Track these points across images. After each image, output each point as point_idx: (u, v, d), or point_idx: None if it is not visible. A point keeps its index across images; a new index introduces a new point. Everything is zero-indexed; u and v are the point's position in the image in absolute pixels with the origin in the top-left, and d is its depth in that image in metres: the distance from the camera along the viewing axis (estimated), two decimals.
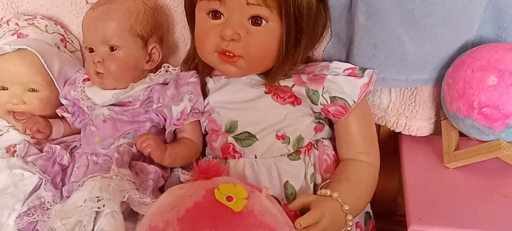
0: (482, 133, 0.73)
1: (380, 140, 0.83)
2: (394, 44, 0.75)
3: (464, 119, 0.73)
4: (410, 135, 0.83)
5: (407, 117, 0.82)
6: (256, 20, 0.72)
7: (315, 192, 0.75)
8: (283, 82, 0.78)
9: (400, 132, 0.84)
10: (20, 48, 0.82)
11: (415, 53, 0.76)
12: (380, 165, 0.80)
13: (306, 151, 0.79)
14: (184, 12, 0.81)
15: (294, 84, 0.77)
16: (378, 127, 0.86)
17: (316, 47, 0.82)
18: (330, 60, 0.81)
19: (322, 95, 0.76)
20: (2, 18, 0.91)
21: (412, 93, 0.82)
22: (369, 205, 0.81)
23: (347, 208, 0.69)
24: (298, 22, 0.72)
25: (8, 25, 0.88)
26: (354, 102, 0.76)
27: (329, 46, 0.83)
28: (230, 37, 0.72)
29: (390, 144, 0.88)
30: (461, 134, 0.79)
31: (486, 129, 0.72)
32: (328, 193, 0.70)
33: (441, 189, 0.73)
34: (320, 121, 0.81)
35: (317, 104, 0.77)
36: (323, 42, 0.83)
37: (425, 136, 0.83)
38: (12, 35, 0.86)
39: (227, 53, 0.73)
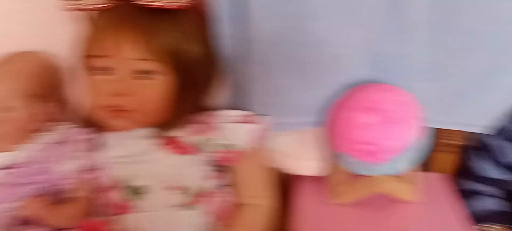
0: (364, 169, 0.78)
1: (275, 182, 0.86)
2: (285, 90, 0.79)
3: (346, 156, 0.78)
4: (301, 175, 0.86)
5: (298, 158, 0.86)
6: (144, 74, 0.72)
7: None
8: (177, 133, 0.78)
9: (292, 173, 0.88)
10: None
11: (306, 98, 0.80)
12: (276, 206, 0.82)
13: (205, 200, 0.79)
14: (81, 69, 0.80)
15: (188, 135, 0.78)
16: (273, 169, 0.89)
17: (213, 95, 0.83)
18: (227, 108, 0.83)
19: (215, 143, 0.77)
20: None
21: (302, 135, 0.87)
22: None
23: None
24: (188, 74, 0.73)
25: None
26: (247, 148, 0.78)
27: (229, 94, 0.86)
28: (118, 92, 0.71)
29: (284, 185, 0.91)
30: None
31: (367, 164, 0.77)
32: None
33: (330, 225, 0.77)
34: (217, 168, 0.82)
35: (211, 153, 0.78)
36: (220, 90, 0.85)
37: (315, 176, 0.87)
38: None
39: (117, 108, 0.73)
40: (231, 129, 0.78)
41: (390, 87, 0.79)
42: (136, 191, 0.77)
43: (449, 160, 0.92)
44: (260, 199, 0.80)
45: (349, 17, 0.72)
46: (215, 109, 0.83)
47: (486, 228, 0.82)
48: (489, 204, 0.84)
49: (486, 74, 0.81)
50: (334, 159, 0.84)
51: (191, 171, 0.79)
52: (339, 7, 0.71)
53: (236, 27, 0.74)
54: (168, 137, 0.78)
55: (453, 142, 0.90)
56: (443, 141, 0.90)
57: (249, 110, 0.81)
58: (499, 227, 0.81)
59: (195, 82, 0.74)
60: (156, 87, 0.73)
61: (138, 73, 0.72)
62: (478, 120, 0.85)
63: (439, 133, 0.89)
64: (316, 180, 0.87)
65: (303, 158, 0.86)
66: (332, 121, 0.80)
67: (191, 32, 0.72)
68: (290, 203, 0.91)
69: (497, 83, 0.82)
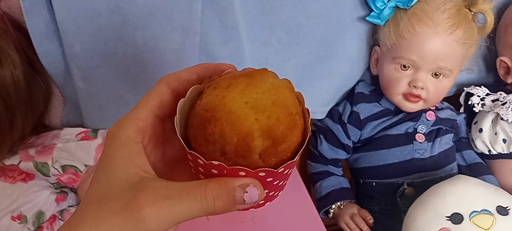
0: None
1: None
2: (119, 102, 0.79)
3: None
4: None
5: None
6: None
7: None
8: (8, 161, 0.74)
9: None
10: None
11: None
12: None
13: (49, 225, 0.77)
14: None
15: (20, 161, 0.75)
16: None
17: (44, 117, 0.81)
18: (64, 126, 0.81)
19: (52, 166, 0.75)
20: None
21: None
22: None
23: None
24: (6, 101, 0.70)
25: None
26: (90, 165, 0.77)
27: (65, 111, 0.83)
28: None
29: None
30: None
31: None
32: None
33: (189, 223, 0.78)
34: (63, 190, 0.80)
35: (49, 176, 0.75)
36: (57, 108, 0.83)
37: None
38: None
39: None
40: (70, 149, 0.76)
41: None
42: None
43: None
44: None
45: (169, 24, 0.73)
46: (51, 129, 0.81)
47: (331, 209, 0.88)
48: (334, 182, 0.90)
49: (314, 64, 0.87)
50: None
51: (33, 197, 0.76)
52: (158, 14, 0.72)
53: (52, 44, 0.72)
54: (1, 166, 0.75)
55: None
56: None
57: (86, 127, 0.80)
58: (341, 203, 0.88)
59: (16, 108, 0.71)
60: None
61: None
62: (315, 106, 0.91)
63: None
64: None
65: None
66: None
67: (1, 54, 0.69)
68: None
69: (327, 71, 0.89)
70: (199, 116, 0.33)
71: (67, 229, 0.30)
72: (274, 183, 0.34)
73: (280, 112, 0.33)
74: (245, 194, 0.30)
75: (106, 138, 0.33)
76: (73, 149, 0.77)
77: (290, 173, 0.36)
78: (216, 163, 0.31)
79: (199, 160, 0.33)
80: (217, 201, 0.30)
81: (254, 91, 0.33)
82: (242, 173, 0.32)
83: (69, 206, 0.81)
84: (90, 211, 0.30)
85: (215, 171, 0.32)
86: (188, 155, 0.34)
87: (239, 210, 0.32)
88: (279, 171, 0.33)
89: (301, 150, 0.34)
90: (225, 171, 0.32)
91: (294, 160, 0.34)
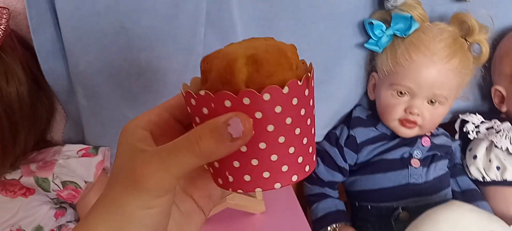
0: None
1: None
2: (120, 121, 0.80)
3: None
4: None
5: None
6: None
7: None
8: (10, 176, 0.75)
9: None
10: None
11: None
12: None
13: None
14: None
15: (22, 176, 0.76)
16: None
17: (51, 131, 0.82)
18: (65, 143, 0.82)
19: (53, 181, 0.76)
20: None
21: None
22: None
23: None
24: (10, 116, 0.71)
25: None
26: (90, 182, 0.78)
27: (67, 128, 0.85)
28: None
29: None
30: None
31: None
32: None
33: None
34: (62, 205, 0.81)
35: (49, 192, 0.76)
36: (59, 124, 0.84)
37: None
38: None
39: None
40: (71, 165, 0.77)
41: None
42: None
43: None
44: None
45: (173, 45, 0.75)
46: (53, 145, 0.82)
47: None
48: (330, 205, 0.91)
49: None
50: None
51: (33, 212, 0.77)
52: (163, 36, 0.74)
53: (57, 62, 0.73)
54: (2, 181, 0.75)
55: None
56: None
57: (87, 144, 0.81)
58: (337, 226, 0.88)
59: (20, 124, 0.72)
60: None
61: None
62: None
63: None
64: None
65: None
66: None
67: (8, 71, 0.70)
68: None
69: (326, 95, 0.90)
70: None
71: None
72: (268, 128, 0.31)
73: (272, 48, 0.32)
74: (228, 126, 0.30)
75: (122, 129, 0.35)
76: (73, 166, 0.78)
77: (289, 118, 0.31)
78: (202, 92, 0.31)
79: (192, 100, 0.32)
80: (202, 142, 0.30)
81: (253, 40, 0.34)
82: (228, 102, 0.30)
83: (67, 222, 0.82)
84: (105, 190, 0.33)
85: (205, 110, 0.32)
86: (186, 102, 0.33)
87: (236, 150, 0.31)
88: (263, 96, 0.30)
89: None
90: (212, 105, 0.31)
91: (282, 89, 0.30)
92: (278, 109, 0.31)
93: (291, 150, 0.32)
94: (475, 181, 0.94)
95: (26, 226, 0.76)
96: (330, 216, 0.89)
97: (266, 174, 0.32)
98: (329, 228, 0.88)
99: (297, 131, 0.32)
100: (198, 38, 0.76)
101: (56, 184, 0.76)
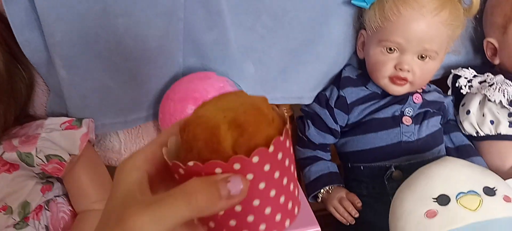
0: None
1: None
2: (102, 91, 0.78)
3: None
4: None
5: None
6: None
7: None
8: None
9: None
10: None
11: (125, 96, 0.80)
12: None
13: (35, 215, 0.76)
14: None
15: (4, 152, 0.74)
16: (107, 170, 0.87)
17: (28, 107, 0.80)
18: (48, 116, 0.80)
19: (36, 156, 0.74)
20: None
21: (138, 131, 0.86)
22: None
23: None
24: None
25: None
26: (75, 154, 0.76)
27: (50, 101, 0.83)
28: None
29: None
30: None
31: None
32: None
33: None
34: (48, 179, 0.79)
35: (34, 166, 0.75)
36: (41, 98, 0.82)
37: None
38: None
39: None
40: (54, 138, 0.76)
41: (211, 75, 0.81)
42: None
43: None
44: (100, 204, 0.79)
45: (151, 10, 0.72)
46: (36, 119, 0.80)
47: (320, 194, 0.88)
48: (322, 167, 0.90)
49: (300, 49, 0.86)
50: None
51: (18, 187, 0.75)
52: (140, 0, 0.71)
53: (33, 33, 0.71)
54: None
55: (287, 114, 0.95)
56: None
57: (71, 116, 0.79)
58: (330, 188, 0.87)
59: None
60: None
61: None
62: (302, 92, 0.90)
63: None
64: None
65: None
66: (166, 113, 0.80)
67: None
68: None
69: (314, 56, 0.88)
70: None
71: None
72: (260, 186, 0.33)
73: (248, 107, 0.33)
74: (228, 183, 0.31)
75: (117, 167, 0.35)
76: (57, 139, 0.76)
77: (277, 172, 0.34)
78: (191, 163, 0.32)
79: (180, 169, 0.33)
80: (199, 195, 0.31)
81: (225, 99, 0.35)
82: (219, 170, 0.32)
83: (55, 196, 0.81)
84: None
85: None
86: (172, 170, 0.34)
87: (229, 207, 0.32)
88: (252, 160, 0.32)
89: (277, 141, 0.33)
90: (203, 173, 0.32)
91: (268, 149, 0.32)
92: (266, 167, 0.33)
93: (282, 199, 0.35)
94: (469, 137, 0.92)
95: (12, 202, 0.75)
96: (323, 179, 0.88)
97: (262, 226, 0.34)
98: (322, 190, 0.87)
99: (285, 180, 0.34)
100: (178, 1, 0.74)
101: (39, 158, 0.74)
